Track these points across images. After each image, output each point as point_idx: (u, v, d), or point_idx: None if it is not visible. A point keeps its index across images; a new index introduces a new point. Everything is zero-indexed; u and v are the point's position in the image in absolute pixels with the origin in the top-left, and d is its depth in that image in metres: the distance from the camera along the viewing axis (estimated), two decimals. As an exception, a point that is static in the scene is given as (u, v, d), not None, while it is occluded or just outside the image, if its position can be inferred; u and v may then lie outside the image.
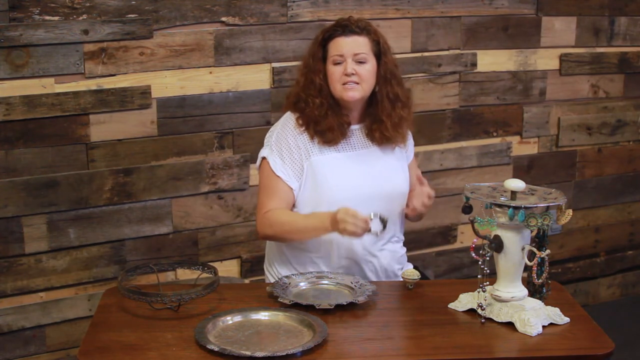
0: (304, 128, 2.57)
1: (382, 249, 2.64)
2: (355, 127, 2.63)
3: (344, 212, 2.39)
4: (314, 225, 2.49)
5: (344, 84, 2.52)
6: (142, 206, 3.27)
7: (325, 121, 2.55)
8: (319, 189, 2.55)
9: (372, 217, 2.41)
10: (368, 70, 2.54)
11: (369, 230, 2.41)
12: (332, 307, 2.26)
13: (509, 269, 2.24)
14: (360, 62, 2.53)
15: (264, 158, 2.59)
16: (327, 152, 2.58)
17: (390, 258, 2.66)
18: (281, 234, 2.54)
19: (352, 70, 2.51)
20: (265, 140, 2.64)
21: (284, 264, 2.66)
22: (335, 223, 2.41)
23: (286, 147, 2.56)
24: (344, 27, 2.55)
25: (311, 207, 2.56)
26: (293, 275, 2.51)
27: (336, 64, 2.54)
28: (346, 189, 2.55)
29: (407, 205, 2.67)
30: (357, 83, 2.52)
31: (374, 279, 2.62)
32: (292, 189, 2.56)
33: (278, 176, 2.55)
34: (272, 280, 2.66)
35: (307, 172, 2.56)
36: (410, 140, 2.76)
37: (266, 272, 2.77)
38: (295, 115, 2.61)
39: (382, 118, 2.59)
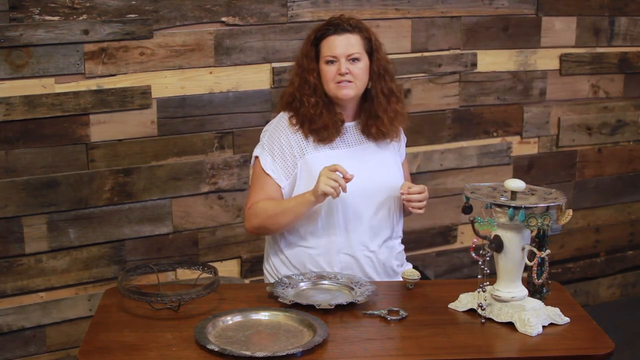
0: (297, 127, 2.61)
1: (380, 245, 2.64)
2: (349, 125, 2.66)
3: (321, 172, 2.43)
4: (297, 199, 2.52)
5: (337, 82, 2.56)
6: (142, 206, 3.27)
7: (320, 120, 2.58)
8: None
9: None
10: (361, 69, 2.57)
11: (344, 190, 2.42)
12: (332, 307, 2.26)
13: (509, 269, 2.24)
14: (354, 60, 2.56)
15: (256, 157, 2.64)
16: (322, 149, 2.61)
17: (388, 254, 2.67)
18: (267, 219, 2.55)
19: (346, 69, 2.55)
20: (260, 140, 2.68)
21: (283, 263, 2.66)
22: (315, 188, 2.43)
23: (278, 146, 2.60)
24: (336, 26, 2.58)
25: None
26: (293, 275, 2.51)
27: (329, 63, 2.57)
28: None
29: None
30: (351, 81, 2.56)
31: (373, 274, 2.62)
32: (280, 187, 2.60)
33: (267, 174, 2.59)
34: (271, 280, 2.67)
35: (302, 169, 2.58)
36: (403, 138, 2.78)
37: (265, 271, 2.77)
38: (288, 114, 2.64)
39: (379, 114, 2.63)
